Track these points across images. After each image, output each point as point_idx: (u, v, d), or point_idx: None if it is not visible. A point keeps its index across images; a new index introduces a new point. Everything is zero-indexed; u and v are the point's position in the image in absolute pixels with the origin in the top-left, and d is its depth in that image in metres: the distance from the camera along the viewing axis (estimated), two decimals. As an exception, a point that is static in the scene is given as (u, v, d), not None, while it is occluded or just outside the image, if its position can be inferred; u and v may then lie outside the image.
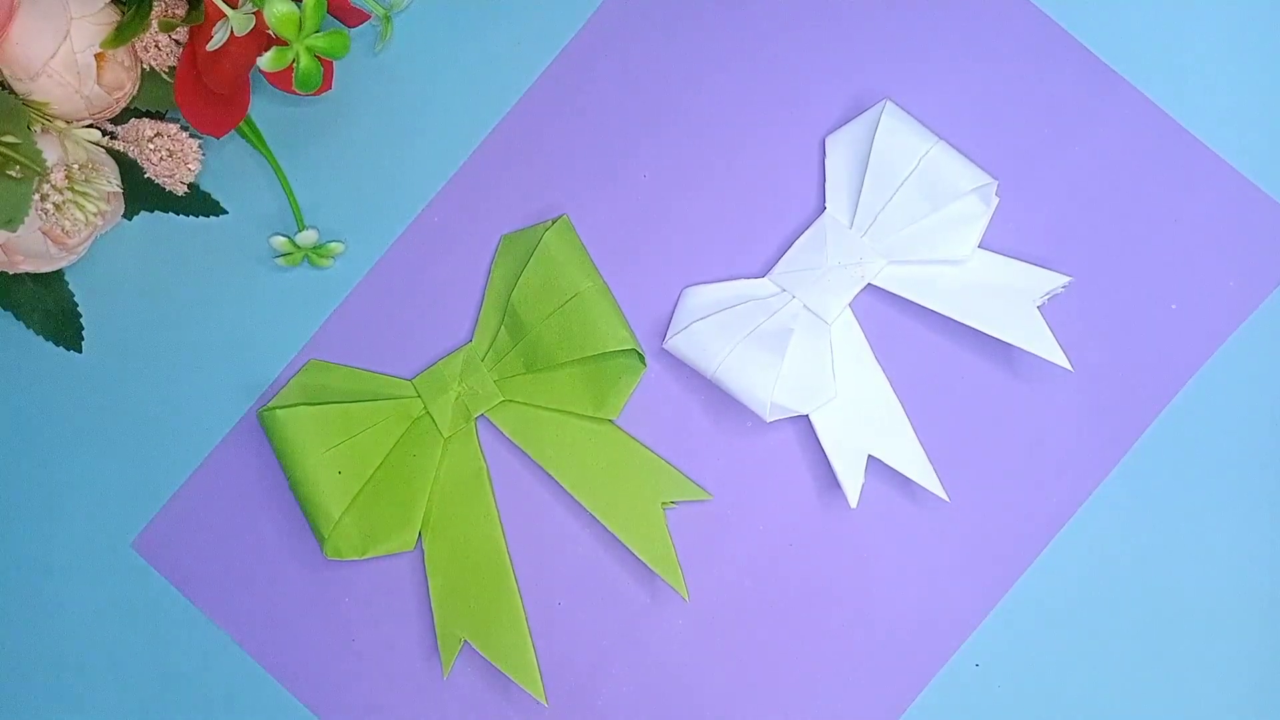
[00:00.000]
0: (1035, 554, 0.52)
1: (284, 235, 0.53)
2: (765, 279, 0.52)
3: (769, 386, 0.50)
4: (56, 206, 0.47)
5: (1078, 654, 0.52)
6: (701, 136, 0.53)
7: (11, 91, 0.47)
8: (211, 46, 0.45)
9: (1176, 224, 0.52)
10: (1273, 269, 0.52)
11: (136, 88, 0.49)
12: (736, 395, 0.51)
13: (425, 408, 0.53)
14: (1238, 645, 0.52)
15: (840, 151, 0.52)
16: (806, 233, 0.52)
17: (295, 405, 0.51)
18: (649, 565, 0.51)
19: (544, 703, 0.52)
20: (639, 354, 0.52)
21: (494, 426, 0.53)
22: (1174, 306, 0.52)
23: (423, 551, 0.53)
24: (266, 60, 0.44)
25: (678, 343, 0.51)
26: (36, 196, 0.47)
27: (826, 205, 0.52)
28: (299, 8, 0.44)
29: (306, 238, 0.52)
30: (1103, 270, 0.52)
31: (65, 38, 0.46)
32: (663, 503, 0.52)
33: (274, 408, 0.51)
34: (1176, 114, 0.52)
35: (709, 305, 0.52)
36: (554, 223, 0.52)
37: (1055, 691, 0.52)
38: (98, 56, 0.47)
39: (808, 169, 0.53)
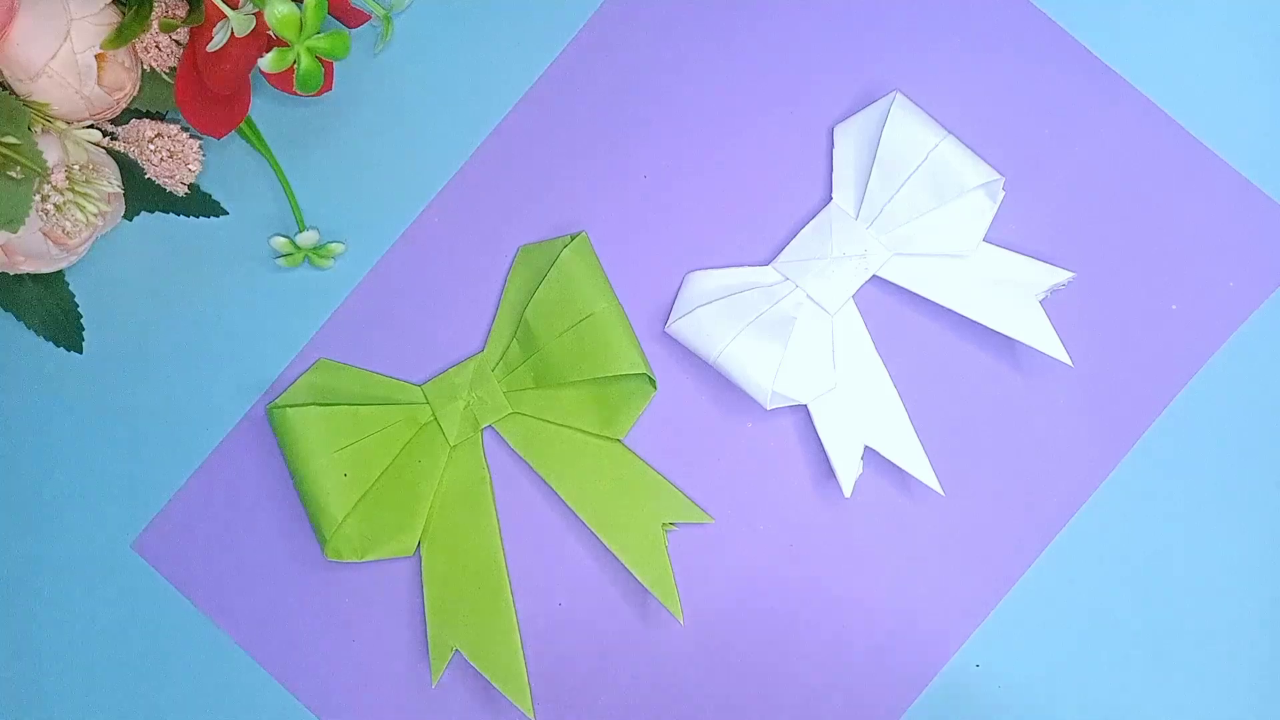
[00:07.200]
0: (1036, 554, 0.52)
1: (284, 236, 0.53)
2: (769, 266, 0.52)
3: (770, 375, 0.50)
4: (57, 207, 0.47)
5: (1078, 654, 0.52)
6: (708, 123, 0.53)
7: (12, 92, 0.47)
8: (212, 47, 0.45)
9: (1176, 224, 0.52)
10: (1273, 269, 0.52)
11: (137, 88, 0.49)
12: (737, 382, 0.51)
13: (434, 414, 0.52)
14: (1238, 645, 0.52)
15: (848, 141, 0.52)
16: (812, 222, 0.52)
17: (306, 405, 0.51)
18: (646, 586, 0.51)
19: (530, 716, 0.52)
20: (650, 378, 0.52)
21: (499, 438, 0.53)
22: (1174, 306, 0.52)
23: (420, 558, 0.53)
24: (267, 61, 0.44)
25: (680, 327, 0.51)
26: (37, 197, 0.47)
27: (833, 195, 0.52)
28: (300, 9, 0.44)
29: (307, 238, 0.52)
30: (1102, 270, 0.52)
31: (66, 38, 0.46)
32: (664, 524, 0.52)
33: (283, 405, 0.51)
34: (1176, 114, 0.52)
35: (712, 291, 0.52)
36: (573, 239, 0.52)
37: (1056, 692, 0.52)
38: (98, 57, 0.47)
39: (815, 158, 0.53)
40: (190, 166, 0.49)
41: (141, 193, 0.52)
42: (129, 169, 0.51)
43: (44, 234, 0.49)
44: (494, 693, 0.53)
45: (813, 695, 0.52)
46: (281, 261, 0.53)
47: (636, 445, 0.53)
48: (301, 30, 0.44)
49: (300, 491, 0.52)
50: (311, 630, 0.53)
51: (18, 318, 0.52)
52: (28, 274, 0.51)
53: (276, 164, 0.53)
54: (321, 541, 0.52)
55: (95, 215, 0.48)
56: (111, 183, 0.49)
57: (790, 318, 0.51)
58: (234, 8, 0.44)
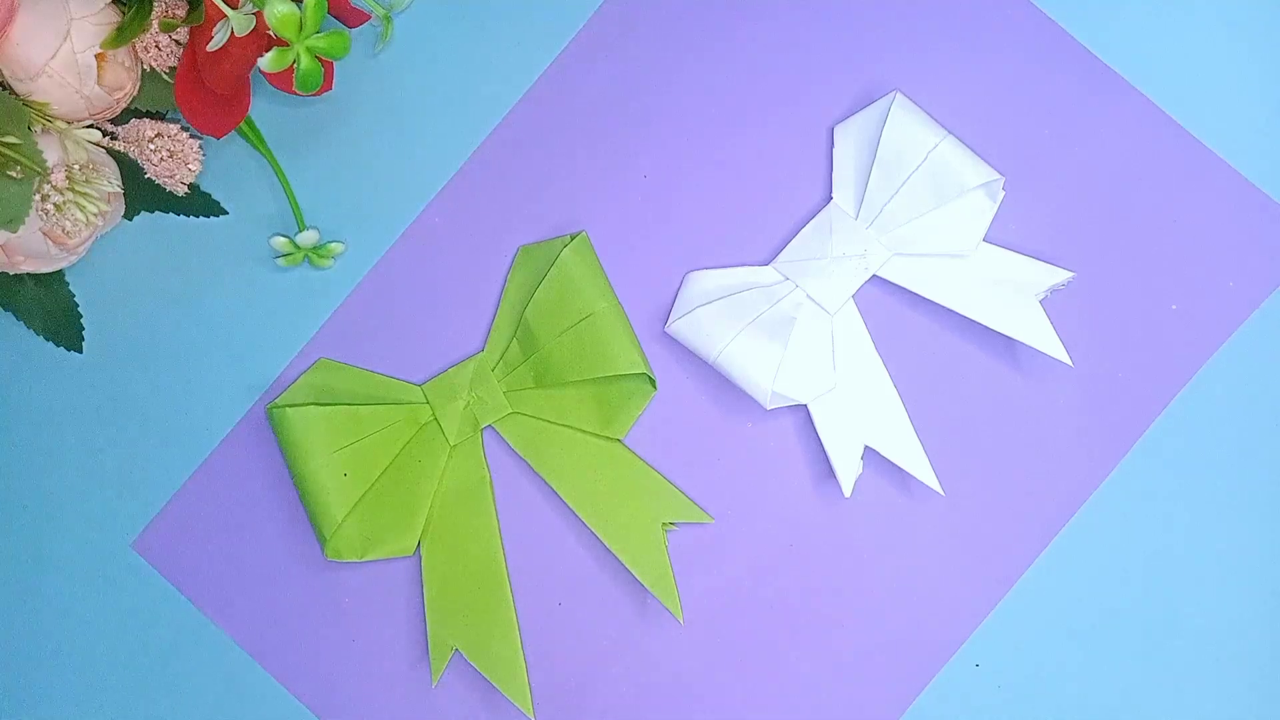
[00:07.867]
0: (1036, 553, 0.52)
1: (284, 235, 0.53)
2: (769, 266, 0.52)
3: (770, 375, 0.50)
4: (57, 207, 0.47)
5: (1078, 654, 0.52)
6: (708, 123, 0.53)
7: (12, 92, 0.47)
8: (212, 47, 0.45)
9: (1177, 224, 0.52)
10: (1273, 269, 0.52)
11: (137, 88, 0.49)
12: (737, 382, 0.51)
13: (434, 414, 0.52)
14: (1238, 645, 0.52)
15: (848, 141, 0.52)
16: (812, 222, 0.52)
17: (305, 405, 0.51)
18: (646, 586, 0.51)
19: (530, 716, 0.52)
20: (650, 378, 0.52)
21: (500, 437, 0.53)
22: (1174, 306, 0.52)
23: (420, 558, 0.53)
24: (267, 61, 0.44)
25: (680, 327, 0.51)
26: (37, 197, 0.47)
27: (833, 195, 0.52)
28: (299, 8, 0.44)
29: (307, 238, 0.52)
30: (1103, 270, 0.52)
31: (66, 38, 0.46)
32: (664, 524, 0.52)
33: (283, 405, 0.51)
34: (1177, 114, 0.52)
35: (712, 291, 0.52)
36: (573, 239, 0.52)
37: (1055, 692, 0.52)
38: (98, 57, 0.47)
39: (815, 158, 0.53)
40: (190, 166, 0.49)
41: (141, 193, 0.52)
42: (129, 169, 0.51)
43: (44, 234, 0.49)
44: (494, 693, 0.53)
45: (812, 695, 0.52)
46: (281, 261, 0.53)
47: (636, 445, 0.53)
48: (301, 30, 0.44)
49: (300, 491, 0.52)
50: (311, 630, 0.53)
51: (18, 318, 0.52)
52: (28, 274, 0.51)
53: (276, 164, 0.53)
54: (321, 541, 0.52)
55: (95, 215, 0.48)
56: (111, 183, 0.49)
57: (790, 318, 0.51)
58: (234, 8, 0.44)
